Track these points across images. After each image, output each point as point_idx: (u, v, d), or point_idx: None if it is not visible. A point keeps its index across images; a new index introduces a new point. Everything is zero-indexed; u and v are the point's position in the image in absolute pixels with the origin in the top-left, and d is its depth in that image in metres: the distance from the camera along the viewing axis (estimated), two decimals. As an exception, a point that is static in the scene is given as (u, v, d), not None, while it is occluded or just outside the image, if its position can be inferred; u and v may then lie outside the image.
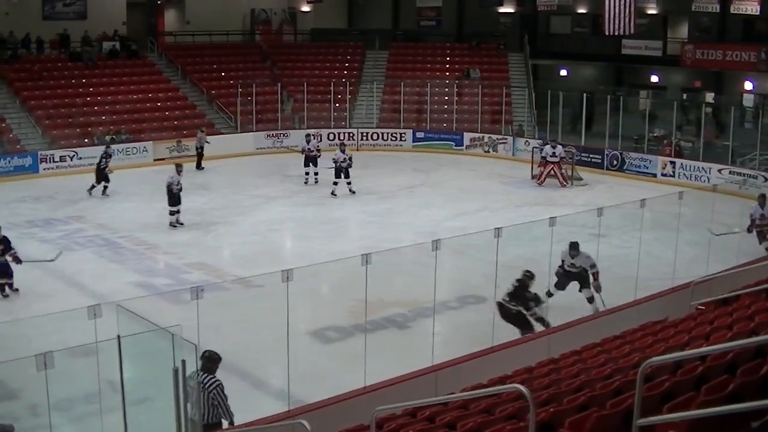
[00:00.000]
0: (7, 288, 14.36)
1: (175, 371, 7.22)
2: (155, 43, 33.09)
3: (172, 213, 19.06)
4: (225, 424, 8.36)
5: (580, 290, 13.31)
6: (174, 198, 18.94)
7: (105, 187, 22.47)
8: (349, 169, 22.53)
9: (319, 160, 23.76)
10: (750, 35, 28.72)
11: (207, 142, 26.72)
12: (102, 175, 22.30)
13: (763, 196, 15.83)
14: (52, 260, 15.08)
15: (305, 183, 23.74)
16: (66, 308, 10.79)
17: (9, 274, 14.38)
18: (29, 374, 7.12)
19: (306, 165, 23.85)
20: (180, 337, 7.13)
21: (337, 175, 22.45)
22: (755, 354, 6.18)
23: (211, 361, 8.27)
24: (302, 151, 24.02)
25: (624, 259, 14.90)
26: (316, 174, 23.78)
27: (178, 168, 19.57)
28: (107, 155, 22.67)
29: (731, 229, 15.13)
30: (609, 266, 13.70)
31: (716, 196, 15.46)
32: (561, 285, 13.38)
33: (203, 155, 26.42)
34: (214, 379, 8.20)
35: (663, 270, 13.63)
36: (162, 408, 7.79)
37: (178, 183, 18.99)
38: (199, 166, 26.13)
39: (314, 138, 24.73)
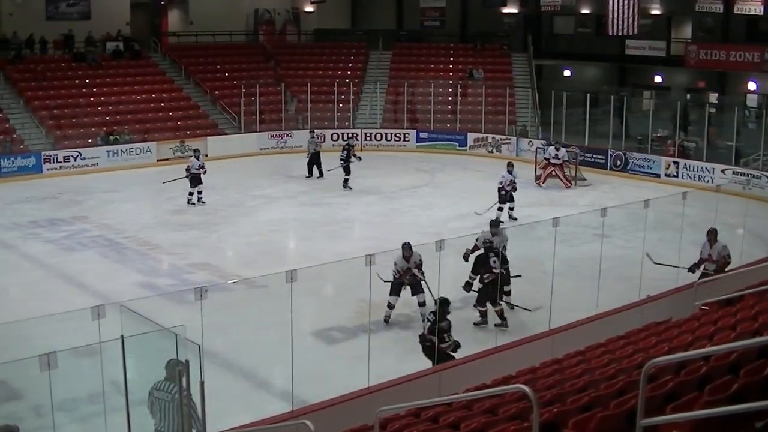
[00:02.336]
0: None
1: (179, 372, 7.22)
2: (159, 44, 33.13)
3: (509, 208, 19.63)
4: None
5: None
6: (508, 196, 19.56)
7: (346, 180, 22.99)
8: (514, 193, 19.69)
9: (203, 176, 21.37)
10: (753, 35, 28.68)
11: (318, 146, 24.90)
12: (346, 168, 23.16)
13: (713, 231, 13.06)
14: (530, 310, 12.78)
15: (188, 203, 21.29)
16: (69, 308, 10.81)
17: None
18: (33, 375, 7.13)
19: (192, 186, 21.30)
20: (184, 338, 7.13)
21: (502, 200, 19.70)
22: (759, 354, 6.17)
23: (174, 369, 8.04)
24: (187, 170, 21.34)
25: (628, 260, 14.87)
26: (200, 193, 21.31)
27: (510, 167, 20.05)
28: (350, 146, 23.40)
29: (672, 263, 13.17)
30: (613, 266, 13.68)
31: (720, 196, 15.44)
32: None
33: (320, 160, 24.64)
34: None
35: (667, 270, 13.60)
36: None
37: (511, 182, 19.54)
38: (321, 174, 24.55)
39: (200, 154, 22.28)
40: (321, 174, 24.67)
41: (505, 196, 19.62)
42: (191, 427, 7.74)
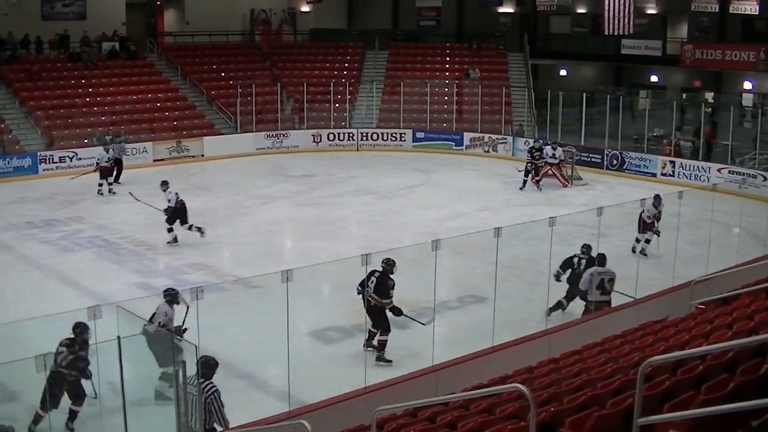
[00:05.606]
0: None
1: (175, 372, 7.23)
2: (155, 44, 33.09)
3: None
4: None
5: None
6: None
7: (536, 182, 23.40)
8: (657, 222, 16.25)
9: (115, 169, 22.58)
10: (749, 35, 28.75)
11: (122, 152, 24.59)
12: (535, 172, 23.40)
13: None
14: (423, 324, 11.67)
15: (98, 193, 22.17)
16: (66, 309, 10.80)
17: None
18: (29, 375, 7.12)
19: (102, 177, 22.29)
20: (180, 338, 7.13)
21: (642, 229, 16.61)
22: (755, 353, 6.18)
23: (206, 366, 8.10)
24: (96, 164, 22.53)
25: (624, 259, 14.90)
26: (110, 185, 22.42)
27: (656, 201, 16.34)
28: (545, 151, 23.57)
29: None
30: (609, 265, 13.69)
31: (716, 195, 15.47)
32: None
33: (122, 167, 23.97)
34: (211, 385, 8.07)
35: (663, 269, 13.62)
36: (162, 408, 7.80)
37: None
38: (116, 179, 23.49)
39: (112, 149, 23.07)
40: (117, 180, 23.60)
41: (647, 224, 16.43)
42: (214, 423, 8.02)
